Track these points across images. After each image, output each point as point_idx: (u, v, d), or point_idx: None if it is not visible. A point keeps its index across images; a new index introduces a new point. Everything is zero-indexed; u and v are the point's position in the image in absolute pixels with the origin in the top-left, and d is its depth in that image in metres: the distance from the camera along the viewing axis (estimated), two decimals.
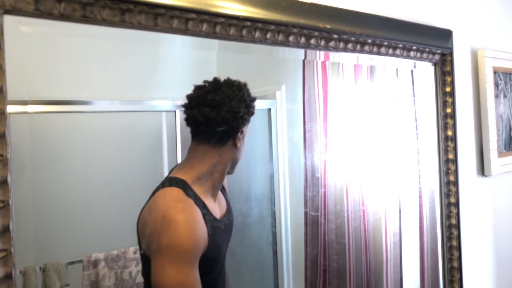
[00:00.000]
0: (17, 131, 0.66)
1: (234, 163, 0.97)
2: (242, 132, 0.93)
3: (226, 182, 1.06)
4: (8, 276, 0.57)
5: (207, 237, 0.87)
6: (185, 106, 0.92)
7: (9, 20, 0.60)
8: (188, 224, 0.83)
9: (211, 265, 0.90)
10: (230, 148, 0.93)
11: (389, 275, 1.31)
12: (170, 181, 0.89)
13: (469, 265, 1.40)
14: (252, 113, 0.95)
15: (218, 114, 0.89)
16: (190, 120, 0.92)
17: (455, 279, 1.30)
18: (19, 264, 0.59)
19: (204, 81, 0.93)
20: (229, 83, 0.93)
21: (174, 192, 0.87)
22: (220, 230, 0.92)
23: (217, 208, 0.95)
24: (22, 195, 0.66)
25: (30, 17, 0.62)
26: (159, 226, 0.82)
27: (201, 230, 0.85)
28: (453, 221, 1.29)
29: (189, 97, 0.92)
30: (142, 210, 0.89)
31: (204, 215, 0.87)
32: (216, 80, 0.92)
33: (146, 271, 0.87)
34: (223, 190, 1.04)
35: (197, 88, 0.92)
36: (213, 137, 0.91)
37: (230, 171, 0.99)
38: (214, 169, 0.92)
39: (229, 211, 1.01)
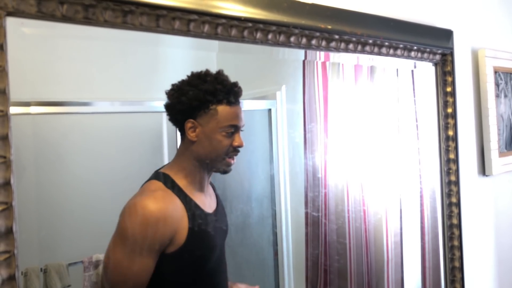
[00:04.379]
0: (20, 133, 0.66)
1: (202, 159, 0.91)
2: (193, 124, 0.89)
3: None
4: (12, 278, 0.57)
5: (186, 229, 0.86)
6: None
7: (12, 22, 0.60)
8: (153, 212, 0.82)
9: (200, 258, 0.89)
10: (189, 142, 0.91)
11: (390, 275, 1.31)
12: (155, 176, 0.90)
13: (470, 265, 1.40)
14: (201, 104, 0.88)
15: (166, 103, 0.91)
16: None
17: (456, 279, 1.30)
18: (20, 266, 0.59)
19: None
20: (193, 74, 0.91)
21: (154, 184, 0.88)
22: (208, 223, 0.92)
23: (207, 202, 0.95)
24: (23, 196, 0.66)
25: (33, 19, 0.62)
26: (128, 209, 0.82)
27: (170, 220, 0.84)
28: (455, 221, 1.29)
29: None
30: None
31: (186, 206, 0.87)
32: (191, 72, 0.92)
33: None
34: (216, 192, 1.03)
35: None
36: (179, 131, 0.93)
37: (214, 169, 0.95)
38: (188, 163, 0.91)
39: (219, 208, 1.00)
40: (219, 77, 0.91)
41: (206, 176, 0.95)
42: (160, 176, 0.90)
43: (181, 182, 0.89)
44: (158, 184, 0.88)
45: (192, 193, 0.90)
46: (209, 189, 1.00)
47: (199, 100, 0.88)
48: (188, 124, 0.89)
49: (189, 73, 0.92)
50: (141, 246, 0.81)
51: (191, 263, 0.87)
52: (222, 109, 0.89)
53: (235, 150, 0.93)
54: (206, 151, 0.91)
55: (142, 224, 0.81)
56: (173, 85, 0.91)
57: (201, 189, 0.94)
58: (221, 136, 0.90)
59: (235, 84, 0.92)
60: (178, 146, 1.05)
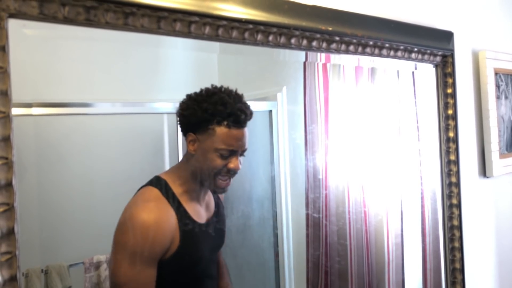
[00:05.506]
0: (22, 134, 0.66)
1: (196, 173, 0.91)
2: (193, 138, 0.90)
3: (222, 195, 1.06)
4: (13, 278, 0.58)
5: (178, 238, 0.87)
6: None
7: (14, 24, 0.60)
8: (150, 225, 0.84)
9: (186, 267, 0.91)
10: (189, 154, 0.91)
11: (391, 276, 1.31)
12: (153, 181, 0.91)
13: (471, 267, 1.40)
14: (199, 121, 0.88)
15: (178, 114, 0.92)
16: None
17: (457, 280, 1.30)
18: (21, 266, 0.60)
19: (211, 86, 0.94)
20: (201, 90, 0.91)
21: (150, 192, 0.88)
22: (199, 233, 0.93)
23: (201, 212, 0.95)
24: (25, 197, 0.67)
25: (35, 21, 0.62)
26: (124, 222, 0.84)
27: (166, 231, 0.86)
28: (455, 223, 1.29)
29: None
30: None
31: (178, 216, 0.88)
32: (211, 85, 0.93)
33: None
34: (216, 197, 1.03)
35: None
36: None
37: (202, 183, 0.93)
38: (186, 173, 0.92)
39: (216, 216, 1.00)
40: (225, 97, 0.89)
41: (203, 188, 0.96)
42: (157, 182, 0.90)
43: (177, 190, 0.90)
44: (154, 192, 0.88)
45: (186, 201, 0.91)
46: (209, 198, 1.00)
47: (197, 117, 0.88)
48: (189, 137, 0.90)
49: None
50: (148, 257, 0.82)
51: (179, 269, 0.89)
52: (220, 130, 0.88)
53: (229, 172, 0.91)
54: (199, 166, 0.91)
55: (139, 237, 0.82)
56: (187, 95, 0.92)
57: (197, 198, 0.94)
58: (215, 156, 0.89)
59: (239, 108, 0.89)
60: (179, 149, 1.06)
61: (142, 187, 0.91)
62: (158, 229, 0.85)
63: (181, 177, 0.92)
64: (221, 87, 0.92)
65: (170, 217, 0.87)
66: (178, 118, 0.93)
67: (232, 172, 0.92)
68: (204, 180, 0.92)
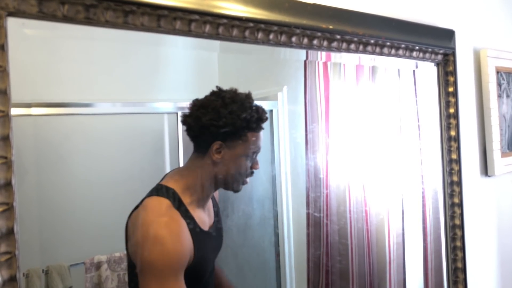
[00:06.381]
0: (21, 134, 0.66)
1: (219, 179, 0.92)
2: (220, 146, 0.89)
3: (217, 193, 1.05)
4: (13, 279, 0.57)
5: (193, 249, 0.86)
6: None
7: (13, 23, 0.60)
8: (170, 239, 0.82)
9: (199, 276, 0.90)
10: (209, 161, 0.90)
11: (392, 276, 1.31)
12: (160, 190, 0.88)
13: (473, 266, 1.40)
14: (236, 130, 0.89)
15: (192, 121, 0.90)
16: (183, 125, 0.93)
17: (459, 279, 1.29)
18: (22, 267, 0.59)
19: (217, 87, 0.93)
20: (221, 92, 0.90)
21: (161, 204, 0.86)
22: (206, 241, 0.92)
23: (206, 219, 0.95)
24: (25, 197, 0.66)
25: (34, 19, 0.62)
26: (142, 242, 0.82)
27: (185, 243, 0.85)
28: (457, 222, 1.29)
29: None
30: (131, 214, 0.88)
31: (190, 228, 0.87)
32: (217, 88, 0.91)
33: (130, 274, 0.89)
34: (213, 199, 1.03)
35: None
36: (195, 145, 0.92)
37: (225, 187, 0.96)
38: (199, 179, 0.91)
39: (217, 221, 1.00)
40: (252, 103, 0.92)
41: (212, 193, 0.96)
42: (166, 192, 0.88)
43: (186, 199, 0.88)
44: (165, 204, 0.86)
45: (194, 210, 0.90)
46: (209, 203, 0.99)
47: (236, 127, 0.89)
48: (215, 146, 0.89)
49: (215, 89, 0.91)
50: (174, 271, 0.82)
51: (190, 279, 0.87)
52: (252, 135, 0.92)
53: (252, 172, 0.96)
54: (227, 173, 0.93)
55: (167, 251, 0.81)
56: (192, 106, 0.90)
57: (202, 205, 0.94)
58: (244, 160, 0.92)
59: (263, 110, 0.94)
60: (180, 149, 1.06)
61: (148, 196, 0.88)
62: (180, 240, 0.84)
63: (193, 186, 0.90)
64: (243, 93, 0.92)
65: (185, 229, 0.86)
66: (198, 129, 0.90)
67: (253, 172, 0.96)
68: (230, 184, 0.95)
